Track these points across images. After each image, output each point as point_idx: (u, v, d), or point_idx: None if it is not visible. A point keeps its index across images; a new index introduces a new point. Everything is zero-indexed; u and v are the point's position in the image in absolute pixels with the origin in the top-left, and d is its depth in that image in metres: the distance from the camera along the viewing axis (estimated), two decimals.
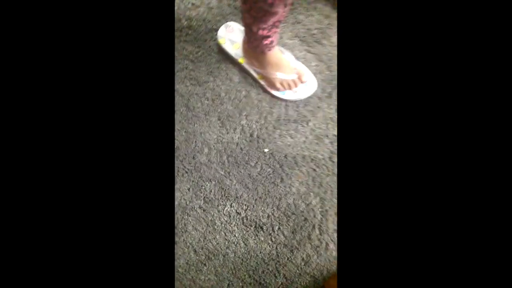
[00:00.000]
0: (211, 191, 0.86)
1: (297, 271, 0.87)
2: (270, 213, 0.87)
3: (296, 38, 0.89)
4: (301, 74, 0.84)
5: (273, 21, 0.66)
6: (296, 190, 0.88)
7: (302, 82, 0.84)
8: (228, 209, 0.87)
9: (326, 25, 0.88)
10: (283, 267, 0.87)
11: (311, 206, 0.88)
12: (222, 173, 0.87)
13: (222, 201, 0.87)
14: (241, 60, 0.87)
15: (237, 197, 0.87)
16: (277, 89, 0.86)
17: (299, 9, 0.89)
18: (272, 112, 0.89)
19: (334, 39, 0.88)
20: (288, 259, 0.87)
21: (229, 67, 0.90)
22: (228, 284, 0.85)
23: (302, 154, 0.88)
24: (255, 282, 0.86)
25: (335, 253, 0.87)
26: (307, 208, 0.88)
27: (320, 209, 0.88)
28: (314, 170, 0.88)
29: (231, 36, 0.87)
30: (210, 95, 0.89)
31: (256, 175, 0.87)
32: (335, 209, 0.88)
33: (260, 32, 0.69)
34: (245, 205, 0.87)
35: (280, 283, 0.86)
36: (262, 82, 0.87)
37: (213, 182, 0.87)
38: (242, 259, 0.86)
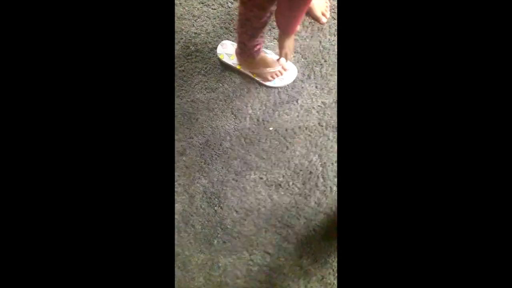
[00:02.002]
0: (238, 166, 1.18)
1: (313, 211, 1.16)
2: (284, 173, 1.17)
3: (275, 40, 1.17)
4: (283, 65, 1.13)
5: (261, 35, 0.94)
6: (299, 152, 1.17)
7: (285, 70, 1.13)
8: (253, 177, 1.17)
9: None
10: (302, 211, 1.16)
11: (312, 162, 1.16)
12: (243, 151, 1.18)
13: (248, 172, 1.17)
14: (238, 66, 1.16)
15: (257, 166, 1.17)
16: (269, 80, 1.15)
17: (272, 17, 1.17)
18: (270, 99, 1.18)
19: (303, 33, 1.15)
20: (304, 204, 1.16)
21: (231, 73, 1.20)
22: (265, 230, 1.16)
23: (297, 125, 1.16)
24: (284, 225, 1.16)
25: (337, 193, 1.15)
26: (310, 164, 1.16)
27: (319, 163, 1.16)
28: (309, 135, 1.16)
29: (227, 51, 1.17)
30: (222, 97, 1.20)
31: (268, 148, 1.17)
32: (331, 161, 1.16)
33: (252, 44, 0.98)
34: (265, 171, 1.17)
35: (302, 222, 1.16)
36: (257, 78, 1.16)
37: (238, 159, 1.18)
38: (271, 211, 1.17)
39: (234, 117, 1.19)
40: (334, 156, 1.16)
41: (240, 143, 1.18)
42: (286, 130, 1.17)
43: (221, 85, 1.21)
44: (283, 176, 1.17)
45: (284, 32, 0.86)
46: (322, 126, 1.16)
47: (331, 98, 1.15)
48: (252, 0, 0.79)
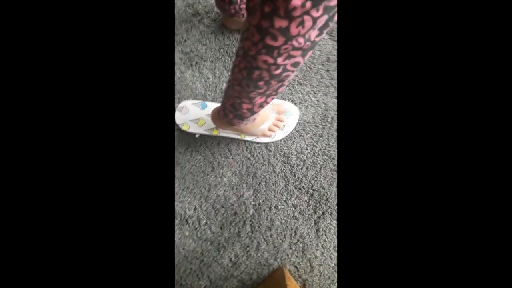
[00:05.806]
0: None
1: (223, 273, 0.76)
2: (197, 205, 0.78)
3: None
4: (279, 108, 0.78)
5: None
6: (227, 180, 0.79)
7: (283, 113, 0.78)
8: None
9: None
10: (207, 268, 0.76)
11: (242, 199, 0.78)
12: None
13: None
14: (215, 131, 0.78)
15: None
16: (268, 136, 0.78)
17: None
18: (207, 95, 0.82)
19: None
20: (213, 258, 0.76)
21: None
22: None
23: (237, 140, 0.80)
24: (175, 282, 0.76)
25: (267, 254, 0.76)
26: (239, 201, 0.78)
27: (252, 203, 0.78)
28: (249, 159, 0.79)
29: (190, 116, 0.80)
30: None
31: (185, 163, 0.80)
32: (269, 204, 0.78)
33: (264, 104, 0.57)
34: None
35: (203, 286, 0.76)
36: (249, 139, 0.79)
37: None
38: None
39: None
40: (275, 199, 0.78)
41: None
42: (219, 144, 0.80)
43: None
44: (195, 209, 0.78)
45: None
46: (270, 150, 0.79)
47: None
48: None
